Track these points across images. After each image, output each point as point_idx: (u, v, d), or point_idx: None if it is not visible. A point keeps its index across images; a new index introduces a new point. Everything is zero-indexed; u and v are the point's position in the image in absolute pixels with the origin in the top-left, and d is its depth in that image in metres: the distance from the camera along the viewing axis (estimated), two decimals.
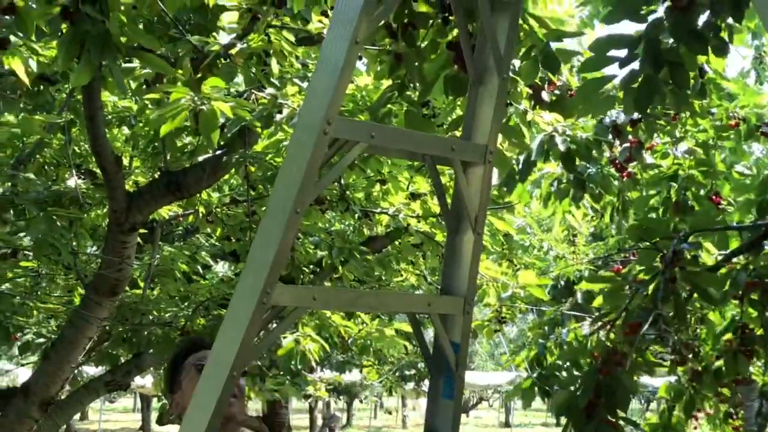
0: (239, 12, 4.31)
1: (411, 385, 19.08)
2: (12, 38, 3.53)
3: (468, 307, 2.15)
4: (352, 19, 1.88)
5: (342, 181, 6.15)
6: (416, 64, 3.14)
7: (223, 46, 4.48)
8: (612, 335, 3.60)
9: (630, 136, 4.38)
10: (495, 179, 4.17)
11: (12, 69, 3.83)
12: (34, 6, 3.05)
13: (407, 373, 17.49)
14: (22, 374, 20.97)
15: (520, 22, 3.11)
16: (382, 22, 3.48)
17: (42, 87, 6.08)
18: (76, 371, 6.10)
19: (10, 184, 5.70)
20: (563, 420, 3.45)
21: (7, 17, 3.07)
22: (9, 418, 5.43)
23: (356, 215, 6.42)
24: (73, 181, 6.12)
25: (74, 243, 5.91)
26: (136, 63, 4.33)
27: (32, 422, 5.44)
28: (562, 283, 5.17)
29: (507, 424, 39.22)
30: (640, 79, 2.86)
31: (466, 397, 37.55)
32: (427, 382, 19.05)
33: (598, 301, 3.77)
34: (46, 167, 7.26)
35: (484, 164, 2.14)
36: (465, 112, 2.22)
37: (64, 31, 2.97)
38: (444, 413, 2.18)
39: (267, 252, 1.79)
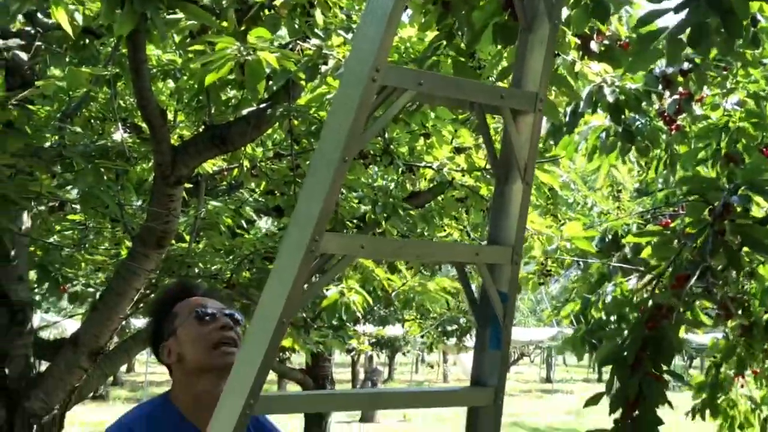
0: None
1: (453, 340, 19.14)
2: None
3: (516, 257, 2.13)
4: None
5: (386, 135, 6.13)
6: (464, 12, 3.10)
7: None
8: (659, 289, 3.57)
9: (680, 88, 4.31)
10: (543, 130, 4.13)
11: (57, 21, 3.83)
12: None
13: (449, 328, 17.53)
14: (69, 326, 21.34)
15: None
16: None
17: (87, 41, 6.11)
18: (124, 322, 6.18)
19: (57, 137, 5.75)
20: (605, 375, 3.43)
21: None
22: (59, 368, 5.53)
23: (400, 169, 6.40)
24: (119, 135, 6.16)
25: (121, 196, 5.97)
26: (180, 15, 4.33)
27: (81, 372, 5.54)
28: (610, 237, 5.11)
29: (548, 380, 39.32)
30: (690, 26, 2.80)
31: None
32: (468, 337, 19.08)
33: (646, 252, 3.73)
34: (91, 121, 7.32)
35: (534, 112, 2.11)
36: (515, 59, 2.18)
37: None
38: (491, 363, 2.16)
39: (315, 200, 1.78)
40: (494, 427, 2.14)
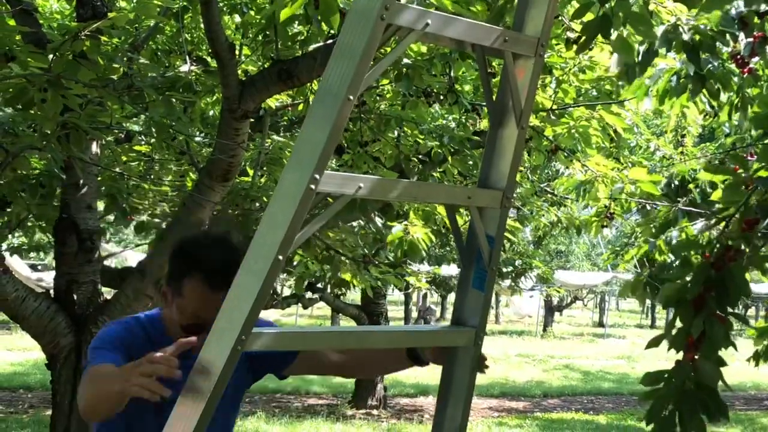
0: None
1: (507, 282, 19.16)
2: None
3: (506, 201, 2.12)
4: None
5: (451, 73, 6.11)
6: None
7: None
8: (727, 232, 3.55)
9: (755, 31, 4.22)
10: (612, 68, 4.09)
11: None
12: None
13: (504, 269, 17.54)
14: (130, 257, 21.73)
15: None
16: None
17: None
18: None
19: (126, 68, 5.82)
20: (659, 322, 3.42)
21: None
22: (126, 295, 5.67)
23: (464, 109, 6.39)
24: (186, 67, 6.22)
25: (189, 128, 6.04)
26: None
27: (147, 299, 5.67)
28: (677, 181, 5.06)
29: (601, 324, 39.27)
30: None
31: (560, 297, 37.62)
32: (523, 279, 19.04)
33: (716, 195, 3.69)
34: (158, 54, 7.39)
35: (535, 57, 2.09)
36: (517, 3, 2.16)
37: None
38: (473, 304, 2.16)
39: (318, 136, 1.76)
40: (471, 367, 2.15)
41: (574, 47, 5.14)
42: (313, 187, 1.77)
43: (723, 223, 3.49)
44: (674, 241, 4.25)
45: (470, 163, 6.50)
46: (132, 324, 2.76)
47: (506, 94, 2.13)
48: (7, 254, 7.44)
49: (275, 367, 2.91)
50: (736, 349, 3.29)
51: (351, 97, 1.79)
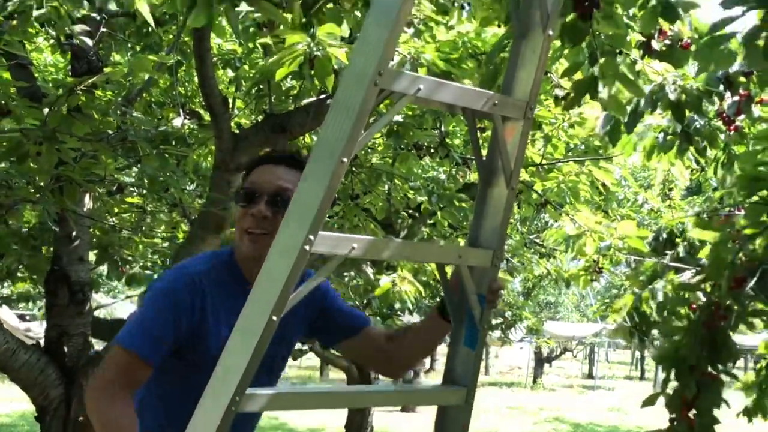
0: None
1: (497, 333, 19.16)
2: None
3: (496, 261, 2.16)
4: None
5: (442, 128, 6.18)
6: None
7: None
8: (715, 289, 3.59)
9: (740, 89, 4.30)
10: (600, 128, 4.15)
11: (135, 10, 3.93)
12: None
13: (493, 321, 17.55)
14: (119, 308, 21.64)
15: None
16: None
17: (151, 28, 6.23)
18: None
19: (120, 122, 5.88)
20: (648, 374, 3.45)
21: None
22: None
23: (454, 162, 6.45)
24: (179, 121, 6.29)
25: (184, 181, 6.08)
26: (244, 7, 4.41)
27: None
28: (664, 235, 5.12)
29: (590, 376, 39.13)
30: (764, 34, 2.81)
31: (550, 348, 37.55)
32: (512, 330, 19.04)
33: (704, 251, 3.74)
34: (152, 106, 7.46)
35: (524, 120, 2.14)
36: (507, 66, 2.21)
37: None
38: (465, 363, 2.19)
39: (312, 198, 1.79)
40: (463, 427, 2.17)
41: (563, 103, 5.23)
42: (307, 248, 1.80)
43: (711, 281, 3.53)
44: (660, 293, 4.28)
45: (460, 215, 6.55)
46: (193, 273, 2.52)
47: (495, 155, 2.18)
48: None
49: (335, 333, 2.77)
50: (729, 406, 3.32)
51: (345, 159, 1.84)
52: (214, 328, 2.48)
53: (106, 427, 2.34)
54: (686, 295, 3.85)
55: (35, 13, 3.63)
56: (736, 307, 3.41)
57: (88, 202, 5.93)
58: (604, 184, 6.98)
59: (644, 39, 3.85)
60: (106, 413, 2.36)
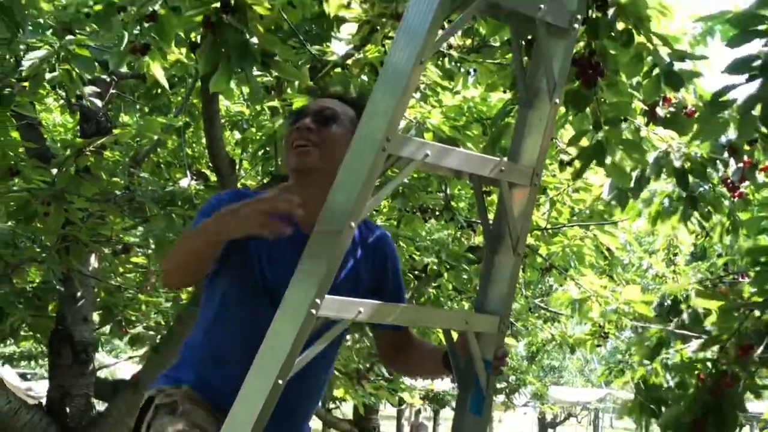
0: (358, 23, 4.40)
1: (500, 398, 19.00)
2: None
3: (503, 327, 2.17)
4: (417, 40, 1.91)
5: (447, 191, 6.20)
6: None
7: (341, 56, 4.59)
8: (722, 356, 3.58)
9: (745, 156, 4.33)
10: (606, 193, 4.17)
11: (147, 72, 3.98)
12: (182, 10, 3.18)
13: (497, 385, 17.41)
14: (121, 369, 21.48)
15: (642, 39, 3.13)
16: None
17: (159, 90, 6.30)
18: None
19: (128, 182, 5.91)
20: None
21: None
22: (119, 409, 5.63)
23: (459, 225, 6.47)
24: (186, 182, 6.32)
25: None
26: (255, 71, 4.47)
27: None
28: (669, 302, 5.12)
29: None
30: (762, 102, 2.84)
31: (554, 413, 37.16)
32: (516, 395, 18.89)
33: (710, 320, 3.74)
34: (160, 167, 7.50)
35: (530, 187, 2.16)
36: (513, 134, 2.23)
37: (201, 38, 3.11)
38: (471, 428, 2.19)
39: (319, 263, 1.81)
40: None
41: (568, 168, 5.25)
42: (314, 311, 1.81)
43: (718, 348, 3.52)
44: (668, 363, 4.26)
45: (465, 278, 6.55)
46: (242, 191, 2.50)
47: (502, 221, 2.19)
48: None
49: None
50: None
51: (352, 224, 1.86)
52: (267, 253, 2.31)
53: (176, 248, 2.19)
54: (694, 364, 3.83)
55: (48, 76, 3.68)
56: (742, 375, 3.40)
57: (93, 262, 5.94)
58: (609, 249, 6.99)
59: (650, 105, 3.88)
60: (172, 248, 2.22)
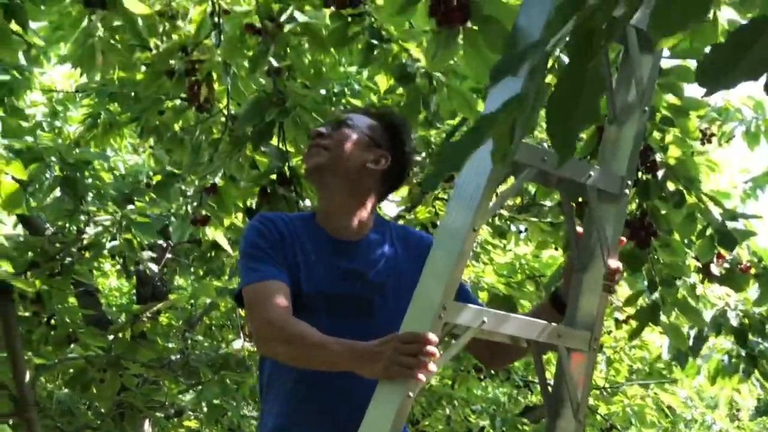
0: (408, 186, 4.49)
1: None
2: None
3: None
4: (471, 208, 1.94)
5: None
6: None
7: (392, 217, 4.66)
8: None
9: None
10: (665, 353, 4.11)
11: (203, 237, 4.06)
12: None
13: None
14: None
15: (694, 200, 3.15)
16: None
17: (213, 253, 6.41)
18: None
19: (181, 345, 5.96)
20: None
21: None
22: None
23: (515, 384, 6.38)
24: (239, 343, 6.34)
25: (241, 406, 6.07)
26: None
27: None
28: None
29: None
30: None
31: None
32: None
33: None
34: (212, 329, 7.55)
35: (589, 352, 2.13)
36: (569, 300, 2.22)
37: (257, 206, 3.18)
38: None
39: None
40: None
41: (624, 326, 5.20)
42: (441, 316, 1.84)
43: None
44: None
45: None
46: (280, 214, 2.39)
47: (562, 386, 2.16)
48: None
49: None
50: None
51: (411, 394, 1.85)
52: (303, 263, 2.22)
53: (292, 341, 2.05)
54: None
55: (108, 245, 3.77)
56: None
57: (147, 428, 5.92)
58: (670, 407, 6.82)
59: (703, 264, 3.87)
60: (285, 331, 2.06)
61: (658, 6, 0.94)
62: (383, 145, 2.25)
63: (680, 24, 0.93)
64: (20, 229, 6.00)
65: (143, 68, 4.19)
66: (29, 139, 4.14)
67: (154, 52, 3.83)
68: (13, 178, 3.10)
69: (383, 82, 3.51)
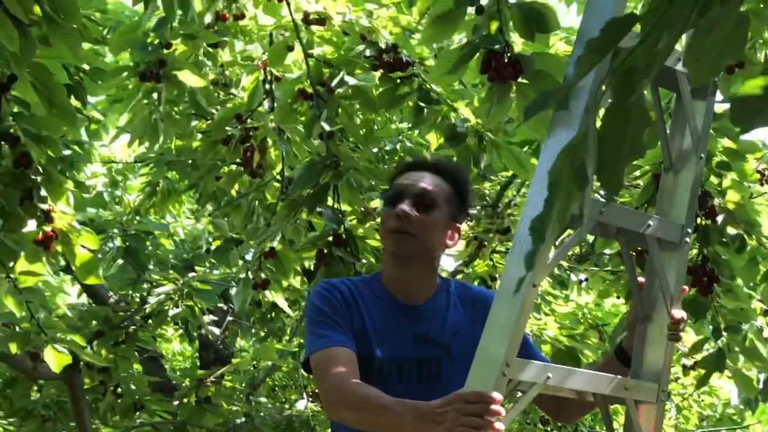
0: (466, 240, 4.49)
1: None
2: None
3: None
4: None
5: None
6: None
7: (450, 272, 4.66)
8: None
9: None
10: (735, 399, 4.04)
11: (263, 300, 4.10)
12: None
13: None
14: None
15: (755, 243, 3.11)
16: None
17: (273, 314, 6.44)
18: None
19: (246, 408, 5.97)
20: None
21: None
22: None
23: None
24: (303, 404, 6.34)
25: None
26: None
27: None
28: None
29: None
30: None
31: None
32: None
33: None
34: (275, 390, 7.56)
35: (657, 403, 2.10)
36: (634, 351, 2.19)
37: (314, 268, 3.21)
38: None
39: None
40: None
41: (692, 372, 5.12)
42: (505, 373, 1.83)
43: None
44: None
45: None
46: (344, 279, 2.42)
47: None
48: None
49: None
50: None
51: None
52: (372, 329, 2.25)
53: (357, 406, 2.08)
54: None
55: (171, 312, 3.82)
56: None
57: None
58: None
59: None
60: (351, 396, 2.08)
61: (690, 47, 0.95)
62: (458, 217, 2.30)
63: (715, 64, 0.93)
64: (84, 299, 6.09)
65: (199, 136, 4.28)
66: (92, 210, 4.23)
67: (210, 120, 3.91)
68: (86, 247, 3.17)
69: (434, 139, 3.54)
